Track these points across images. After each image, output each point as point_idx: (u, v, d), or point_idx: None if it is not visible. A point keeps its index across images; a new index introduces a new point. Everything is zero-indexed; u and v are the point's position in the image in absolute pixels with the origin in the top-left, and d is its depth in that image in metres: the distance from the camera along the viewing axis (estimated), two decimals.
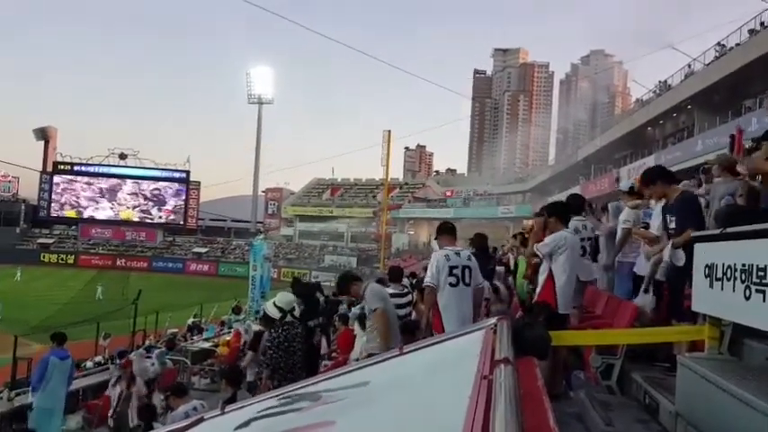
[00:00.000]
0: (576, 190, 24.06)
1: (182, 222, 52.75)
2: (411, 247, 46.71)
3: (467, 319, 3.35)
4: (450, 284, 3.43)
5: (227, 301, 19.94)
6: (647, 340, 2.70)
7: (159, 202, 52.76)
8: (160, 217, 52.36)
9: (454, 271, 3.43)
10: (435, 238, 3.84)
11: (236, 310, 15.58)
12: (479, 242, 5.74)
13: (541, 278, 3.31)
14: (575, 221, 3.87)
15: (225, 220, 61.01)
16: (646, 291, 3.29)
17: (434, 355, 1.45)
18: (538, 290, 3.34)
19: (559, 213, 3.47)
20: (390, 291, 4.69)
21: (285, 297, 4.15)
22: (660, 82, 23.20)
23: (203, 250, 50.04)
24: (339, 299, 10.93)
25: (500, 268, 7.10)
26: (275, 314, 4.00)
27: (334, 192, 58.68)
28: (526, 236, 6.12)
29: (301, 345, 4.03)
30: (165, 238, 52.43)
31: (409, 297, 4.80)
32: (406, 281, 5.96)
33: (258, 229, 53.87)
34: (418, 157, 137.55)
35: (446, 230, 3.75)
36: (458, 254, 3.50)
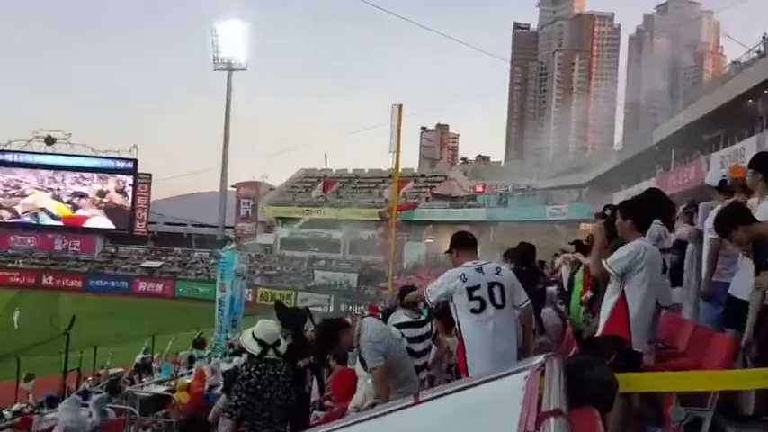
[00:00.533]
0: (650, 183, 23.88)
1: (127, 227, 53.20)
2: (429, 261, 46.57)
3: (506, 355, 3.32)
4: (473, 311, 3.41)
5: (188, 332, 20.03)
6: (747, 386, 2.68)
7: (97, 200, 53.32)
8: (98, 220, 52.89)
9: (475, 293, 3.41)
10: (448, 252, 3.80)
11: (199, 344, 15.68)
12: (522, 254, 5.72)
13: (609, 302, 3.28)
14: (655, 226, 3.82)
15: (184, 225, 61.49)
16: (746, 349, 3.05)
17: (460, 405, 1.44)
18: (604, 318, 3.31)
19: (638, 215, 3.38)
20: (402, 320, 4.69)
21: (267, 327, 4.17)
22: (764, 38, 22.99)
23: (156, 264, 50.46)
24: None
25: (551, 288, 7.06)
26: (254, 349, 4.03)
27: (328, 187, 58.89)
28: (585, 243, 6.08)
29: (282, 391, 4.03)
30: (106, 249, 52.86)
31: (427, 327, 4.77)
32: (422, 305, 5.94)
33: (227, 237, 54.19)
34: (439, 141, 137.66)
35: (462, 243, 3.73)
36: (479, 269, 3.49)
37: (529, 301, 3.63)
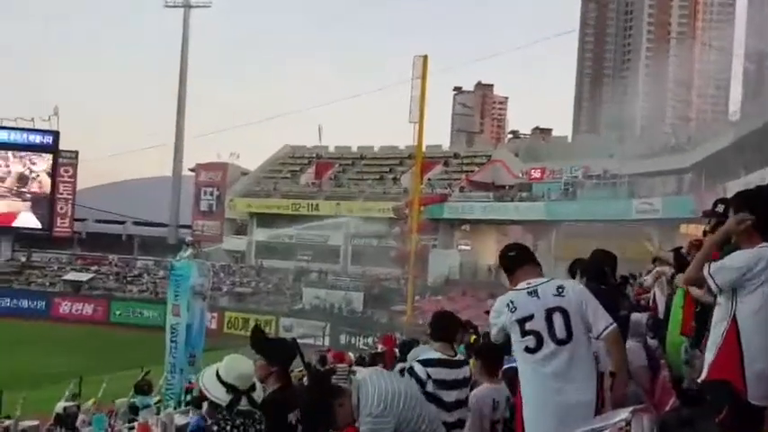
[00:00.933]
0: None
1: (44, 226, 53.62)
2: (465, 275, 46.58)
3: (575, 408, 3.38)
4: (528, 350, 3.51)
5: (128, 372, 20.17)
6: None
7: (15, 188, 53.56)
8: (27, 219, 53.11)
9: (528, 325, 3.50)
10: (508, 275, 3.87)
11: (144, 389, 15.81)
12: (598, 266, 5.71)
13: (716, 333, 3.26)
14: None
15: (122, 223, 61.96)
16: None
17: None
18: (710, 356, 3.31)
19: (759, 211, 3.32)
20: (432, 356, 4.74)
21: (238, 365, 4.18)
22: None
23: (84, 277, 50.86)
24: (333, 367, 11.02)
25: (638, 316, 7.06)
26: (221, 396, 4.04)
27: (323, 171, 59.07)
28: (690, 255, 6.04)
29: None
30: (15, 255, 53.35)
31: (465, 371, 4.82)
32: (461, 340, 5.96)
33: (183, 240, 54.40)
34: (479, 107, 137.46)
35: (516, 263, 3.78)
36: (533, 292, 3.57)
37: (613, 326, 3.61)
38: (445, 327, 5.05)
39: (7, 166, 53.66)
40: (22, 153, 53.70)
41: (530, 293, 3.55)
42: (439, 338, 4.95)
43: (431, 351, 4.85)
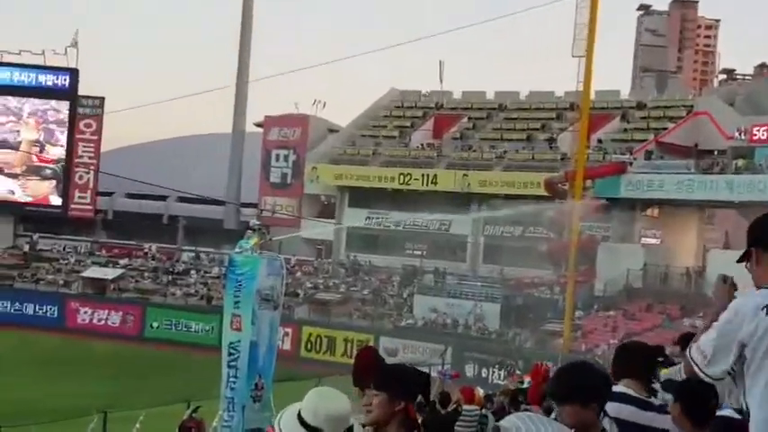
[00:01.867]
0: None
1: (58, 202, 55.81)
2: (651, 281, 45.74)
3: None
4: None
5: (169, 407, 20.79)
6: None
7: (35, 157, 55.94)
8: (54, 197, 55.37)
9: None
10: (741, 259, 3.60)
11: (191, 431, 16.34)
12: None
13: None
14: None
15: (163, 199, 63.55)
16: None
17: None
18: None
19: None
20: (619, 388, 4.77)
21: (327, 403, 4.17)
22: None
23: (110, 274, 52.70)
24: (457, 407, 11.04)
25: None
26: None
27: (444, 127, 59.15)
28: None
29: None
30: (17, 243, 55.79)
31: (666, 420, 4.83)
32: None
33: (247, 224, 55.21)
34: (677, 35, 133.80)
35: None
36: None
37: None
38: (634, 361, 5.10)
39: (17, 121, 56.00)
40: (25, 101, 55.49)
41: None
42: (624, 376, 4.98)
43: (622, 388, 4.90)
